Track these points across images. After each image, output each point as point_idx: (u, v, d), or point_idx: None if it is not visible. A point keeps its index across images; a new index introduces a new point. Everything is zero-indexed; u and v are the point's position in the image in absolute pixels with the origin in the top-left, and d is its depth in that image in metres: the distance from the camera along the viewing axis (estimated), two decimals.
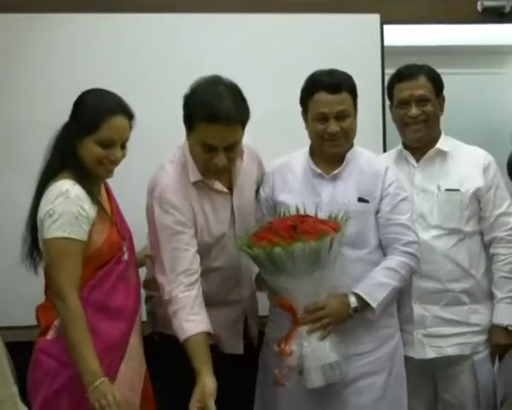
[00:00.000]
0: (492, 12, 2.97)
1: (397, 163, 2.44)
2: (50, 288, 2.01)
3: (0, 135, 2.72)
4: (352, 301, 2.10)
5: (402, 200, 2.23)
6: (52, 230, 1.91)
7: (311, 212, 2.14)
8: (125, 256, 2.06)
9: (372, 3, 2.88)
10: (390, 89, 2.48)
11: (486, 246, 2.40)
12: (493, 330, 2.36)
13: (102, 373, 1.87)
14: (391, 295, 2.15)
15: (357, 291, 2.11)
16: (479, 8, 2.95)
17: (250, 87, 2.69)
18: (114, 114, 1.98)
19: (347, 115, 2.19)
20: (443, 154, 2.42)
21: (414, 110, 2.38)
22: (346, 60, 2.71)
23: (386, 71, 2.88)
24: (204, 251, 2.16)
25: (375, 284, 2.13)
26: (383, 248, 2.23)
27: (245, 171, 2.26)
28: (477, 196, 2.35)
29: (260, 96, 2.77)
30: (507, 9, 2.95)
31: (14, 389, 0.94)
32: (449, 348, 2.34)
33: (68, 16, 2.74)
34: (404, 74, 2.42)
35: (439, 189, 2.37)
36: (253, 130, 2.49)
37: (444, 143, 2.43)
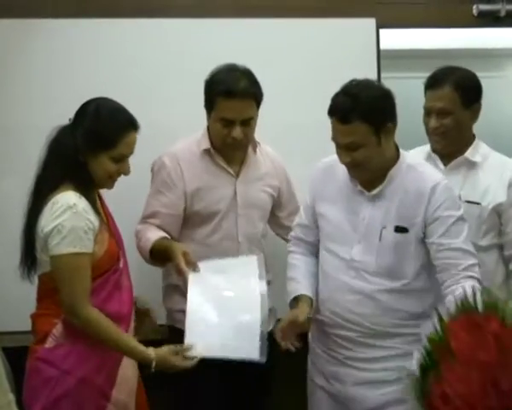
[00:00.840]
0: (487, 16, 2.99)
1: (426, 161, 2.35)
2: (47, 297, 2.00)
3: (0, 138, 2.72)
4: None
5: (455, 222, 2.02)
6: (62, 246, 1.90)
7: (347, 230, 2.10)
8: (121, 264, 2.06)
9: (368, 8, 2.89)
10: (425, 92, 2.41)
11: (505, 260, 2.36)
12: None
13: (148, 350, 1.96)
14: None
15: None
16: (474, 12, 2.97)
17: None
18: (129, 131, 2.01)
19: (357, 147, 2.00)
20: (470, 163, 2.36)
21: (433, 122, 2.34)
22: (342, 64, 2.74)
23: (382, 75, 2.90)
24: (198, 224, 2.34)
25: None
26: (439, 275, 2.05)
27: (258, 167, 2.44)
28: (498, 211, 2.30)
29: None
30: (502, 13, 2.97)
31: (11, 396, 0.93)
32: None
33: (65, 21, 2.74)
34: (431, 82, 2.36)
35: (459, 199, 2.25)
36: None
37: (473, 151, 2.37)
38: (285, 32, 2.84)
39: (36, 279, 2.05)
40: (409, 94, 2.97)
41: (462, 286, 1.89)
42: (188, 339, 2.03)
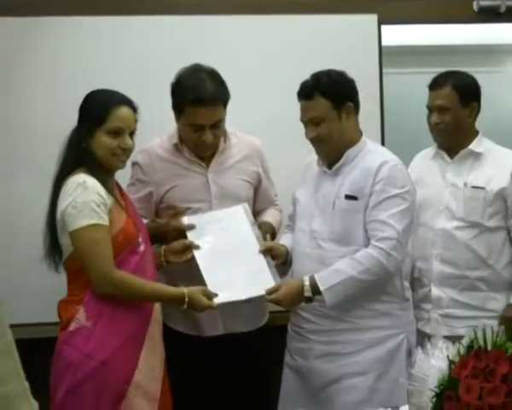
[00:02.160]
0: (488, 11, 3.00)
1: (434, 158, 2.63)
2: (71, 283, 2.08)
3: (7, 138, 2.74)
4: (306, 284, 2.15)
5: (389, 197, 2.18)
6: (79, 220, 1.98)
7: (310, 206, 2.27)
8: (141, 247, 2.11)
9: (369, 4, 2.91)
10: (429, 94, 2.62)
11: None
12: (507, 307, 2.50)
13: (181, 291, 2.09)
14: (348, 284, 2.13)
15: (313, 274, 2.16)
16: (475, 7, 2.99)
17: (248, 88, 2.74)
18: (119, 105, 2.10)
19: (320, 121, 2.22)
20: (475, 154, 2.56)
21: (434, 118, 2.56)
22: (344, 60, 2.72)
23: (384, 70, 2.91)
24: (173, 216, 2.32)
25: (332, 270, 2.16)
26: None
27: (230, 155, 2.44)
28: (503, 195, 2.50)
29: (258, 98, 2.82)
30: (502, 9, 2.98)
31: (26, 384, 0.96)
32: (461, 329, 2.39)
33: (70, 19, 2.75)
34: (433, 82, 2.57)
35: (465, 185, 2.52)
36: (248, 132, 2.55)
37: (477, 144, 2.57)
38: (287, 28, 2.86)
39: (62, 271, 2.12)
40: (410, 90, 3.01)
41: (363, 251, 2.15)
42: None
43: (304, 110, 2.26)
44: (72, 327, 2.01)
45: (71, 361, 1.99)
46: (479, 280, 2.50)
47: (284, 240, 2.43)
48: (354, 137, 2.30)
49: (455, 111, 2.51)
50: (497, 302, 2.51)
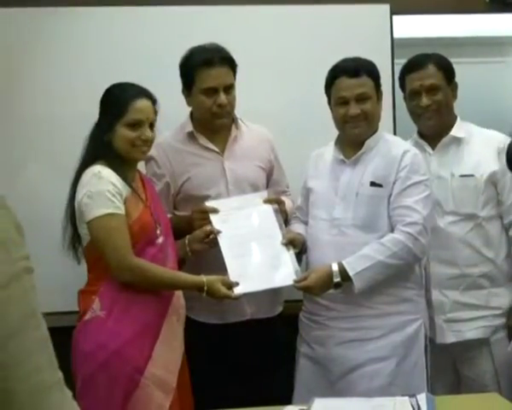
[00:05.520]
0: (499, 2, 2.99)
1: None
2: (90, 272, 2.09)
3: (21, 130, 2.73)
4: (335, 269, 2.16)
5: (413, 183, 2.22)
6: (95, 209, 2.00)
7: (329, 195, 2.28)
8: (160, 240, 2.11)
9: None
10: (401, 80, 2.52)
11: (507, 229, 2.42)
12: None
13: (200, 279, 2.10)
14: (376, 269, 2.16)
15: (341, 260, 2.17)
16: None
17: (257, 79, 2.75)
18: (138, 97, 2.13)
19: (367, 98, 2.26)
20: (457, 140, 2.44)
21: (425, 100, 2.41)
22: (356, 51, 2.70)
23: (396, 61, 2.91)
24: (192, 206, 2.34)
25: (360, 255, 2.18)
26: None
27: (243, 141, 2.45)
28: (493, 181, 2.36)
29: (267, 89, 2.82)
30: None
31: (60, 374, 0.96)
32: (469, 333, 2.38)
33: (78, 9, 2.75)
34: (414, 64, 2.46)
35: (453, 175, 2.40)
36: (261, 121, 2.56)
37: (458, 129, 2.45)
38: (299, 18, 2.85)
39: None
40: None
41: (390, 236, 2.17)
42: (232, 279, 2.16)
43: (349, 88, 2.26)
44: (87, 317, 2.03)
45: (85, 351, 2.01)
46: (481, 277, 2.38)
47: (298, 230, 2.42)
48: (377, 125, 2.34)
49: (444, 90, 2.42)
50: (501, 298, 2.39)
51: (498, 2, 2.99)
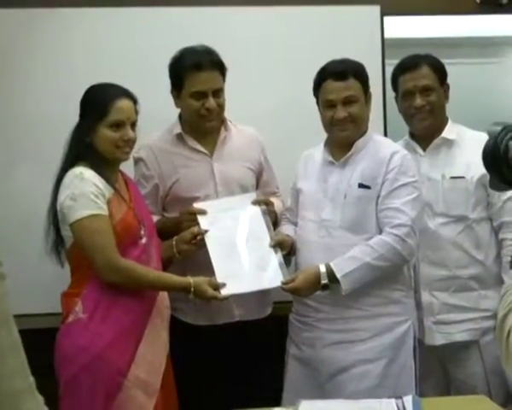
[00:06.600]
0: (490, 3, 2.98)
1: None
2: (72, 274, 2.08)
3: (9, 130, 2.73)
4: (323, 271, 2.16)
5: (402, 185, 2.22)
6: (78, 211, 1.99)
7: (318, 196, 2.27)
8: (143, 240, 2.11)
9: None
10: (394, 81, 2.51)
11: (496, 231, 2.42)
12: None
13: (187, 280, 2.10)
14: (363, 270, 2.16)
15: (329, 262, 2.17)
16: None
17: (247, 80, 2.74)
18: (119, 98, 2.11)
19: (354, 101, 2.25)
20: (448, 142, 2.44)
21: (418, 100, 2.41)
22: (347, 52, 2.69)
23: (387, 61, 2.90)
24: (181, 207, 2.34)
25: (347, 257, 2.18)
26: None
27: (232, 143, 2.44)
28: (484, 183, 2.34)
29: (257, 89, 2.82)
30: (504, 1, 2.97)
31: (31, 379, 0.96)
32: (458, 335, 2.38)
33: (66, 10, 2.74)
34: (407, 65, 2.45)
35: (443, 177, 2.40)
36: (252, 123, 2.55)
37: (449, 131, 2.45)
38: (289, 19, 2.85)
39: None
40: None
41: (378, 238, 2.18)
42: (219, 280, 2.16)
43: (336, 90, 2.25)
44: (70, 319, 2.02)
45: (68, 354, 2.00)
46: (470, 279, 2.37)
47: (287, 231, 2.42)
48: (367, 126, 2.33)
49: (437, 90, 2.42)
50: (490, 300, 2.35)
51: (489, 3, 2.99)
